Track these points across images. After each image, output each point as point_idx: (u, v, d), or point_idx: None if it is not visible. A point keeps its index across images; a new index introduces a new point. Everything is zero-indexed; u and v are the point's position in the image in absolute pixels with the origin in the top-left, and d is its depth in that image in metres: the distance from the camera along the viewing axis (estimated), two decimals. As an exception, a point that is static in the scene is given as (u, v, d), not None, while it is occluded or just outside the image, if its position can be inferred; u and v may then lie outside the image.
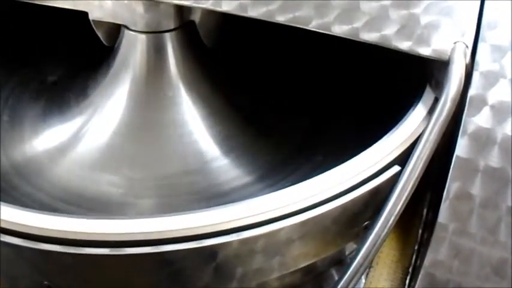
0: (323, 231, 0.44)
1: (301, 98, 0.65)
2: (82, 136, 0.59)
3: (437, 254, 0.48)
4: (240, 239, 0.40)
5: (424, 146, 0.46)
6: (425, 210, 0.57)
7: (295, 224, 0.42)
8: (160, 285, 0.42)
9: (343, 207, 0.43)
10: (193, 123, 0.59)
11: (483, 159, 0.49)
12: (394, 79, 0.62)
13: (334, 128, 0.61)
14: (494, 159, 0.49)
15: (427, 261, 0.48)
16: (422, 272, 0.48)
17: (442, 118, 0.47)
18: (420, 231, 0.55)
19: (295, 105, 0.65)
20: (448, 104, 0.47)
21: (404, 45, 0.50)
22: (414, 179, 0.45)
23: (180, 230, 0.39)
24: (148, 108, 0.58)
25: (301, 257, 0.45)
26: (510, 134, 0.49)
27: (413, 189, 0.45)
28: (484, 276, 0.48)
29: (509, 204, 0.49)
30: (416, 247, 0.54)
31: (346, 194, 0.43)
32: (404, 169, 0.45)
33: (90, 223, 0.39)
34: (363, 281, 0.52)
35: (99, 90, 0.59)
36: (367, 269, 0.53)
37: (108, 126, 0.58)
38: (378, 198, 0.45)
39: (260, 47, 0.69)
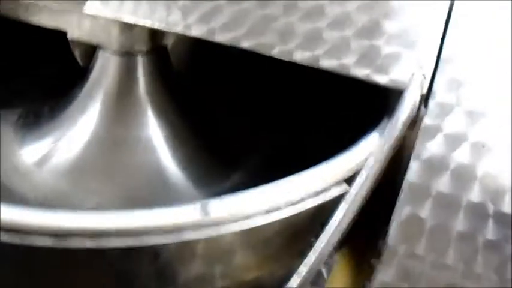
0: (266, 243, 0.45)
1: (267, 122, 0.67)
2: (56, 150, 0.61)
3: (386, 276, 0.49)
4: (180, 240, 0.41)
5: (372, 166, 0.47)
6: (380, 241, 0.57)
7: (235, 232, 0.43)
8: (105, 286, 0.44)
9: (287, 220, 0.44)
10: (157, 142, 0.61)
11: (435, 185, 0.50)
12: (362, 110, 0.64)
13: (298, 152, 0.63)
14: (446, 184, 0.50)
15: (376, 283, 0.49)
16: (370, 292, 0.48)
17: (391, 140, 0.48)
18: (373, 260, 0.55)
19: (260, 128, 0.66)
20: (398, 127, 0.48)
21: (362, 73, 0.52)
22: (360, 197, 0.46)
23: (121, 226, 0.41)
24: (117, 126, 0.61)
25: (243, 268, 0.46)
26: (462, 161, 0.51)
27: (360, 208, 0.46)
28: (432, 300, 0.48)
29: (460, 229, 0.49)
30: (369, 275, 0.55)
31: (289, 206, 0.44)
32: (350, 187, 0.47)
33: (34, 214, 0.41)
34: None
35: (72, 108, 0.62)
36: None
37: (79, 141, 0.61)
38: (323, 216, 0.46)
39: (231, 71, 0.71)
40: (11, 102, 0.69)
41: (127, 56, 0.59)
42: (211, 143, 0.64)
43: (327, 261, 0.54)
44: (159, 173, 0.59)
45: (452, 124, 0.52)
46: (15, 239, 0.40)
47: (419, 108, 0.52)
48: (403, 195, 0.50)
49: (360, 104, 0.62)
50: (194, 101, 0.65)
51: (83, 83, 0.62)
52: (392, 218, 0.49)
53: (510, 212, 0.50)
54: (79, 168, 0.60)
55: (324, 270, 0.54)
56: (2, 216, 0.39)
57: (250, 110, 0.67)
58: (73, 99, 0.62)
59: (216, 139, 0.65)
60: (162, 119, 0.61)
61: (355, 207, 0.46)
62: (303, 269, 0.44)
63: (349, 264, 0.54)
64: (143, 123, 0.61)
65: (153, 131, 0.61)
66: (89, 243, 0.40)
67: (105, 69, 0.60)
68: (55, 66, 0.69)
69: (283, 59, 0.53)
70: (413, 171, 0.50)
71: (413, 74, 0.52)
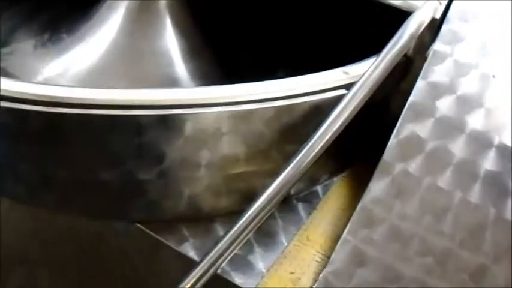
0: (254, 133, 0.45)
1: (283, 47, 0.67)
2: (77, 60, 0.64)
3: (378, 191, 0.48)
4: (165, 113, 0.42)
5: (369, 75, 0.46)
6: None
7: (222, 112, 0.43)
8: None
9: (277, 111, 0.44)
10: (173, 54, 0.63)
11: (439, 107, 0.49)
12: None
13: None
14: (450, 108, 0.49)
15: (366, 197, 0.48)
16: (359, 206, 0.47)
17: (392, 52, 0.47)
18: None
19: (274, 53, 0.66)
20: (401, 41, 0.48)
21: (378, -7, 0.52)
22: (355, 102, 0.45)
23: (110, 99, 0.41)
24: (137, 35, 0.63)
25: (230, 160, 0.45)
26: (470, 88, 0.49)
27: (354, 114, 0.45)
28: (423, 221, 0.47)
29: (460, 154, 0.48)
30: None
31: (281, 99, 0.44)
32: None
33: (39, 88, 0.42)
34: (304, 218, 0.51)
35: (93, 21, 0.64)
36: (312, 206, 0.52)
37: (99, 50, 0.63)
38: (317, 120, 0.45)
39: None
40: (40, 17, 0.71)
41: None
42: (223, 60, 0.65)
43: (323, 181, 0.54)
44: (173, 81, 0.61)
45: (463, 52, 0.51)
46: (12, 106, 0.41)
47: (431, 32, 0.51)
48: (404, 114, 0.49)
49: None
50: (211, 19, 0.66)
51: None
52: (392, 135, 0.48)
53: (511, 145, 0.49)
54: (98, 74, 0.62)
55: (319, 190, 0.54)
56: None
57: (264, 32, 0.68)
58: (93, 14, 0.64)
59: (228, 57, 0.66)
60: (179, 32, 0.63)
61: (348, 112, 0.45)
62: (289, 166, 0.43)
63: (346, 187, 0.54)
64: (161, 35, 0.62)
65: (171, 43, 0.63)
66: (75, 110, 0.41)
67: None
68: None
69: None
70: (418, 91, 0.49)
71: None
